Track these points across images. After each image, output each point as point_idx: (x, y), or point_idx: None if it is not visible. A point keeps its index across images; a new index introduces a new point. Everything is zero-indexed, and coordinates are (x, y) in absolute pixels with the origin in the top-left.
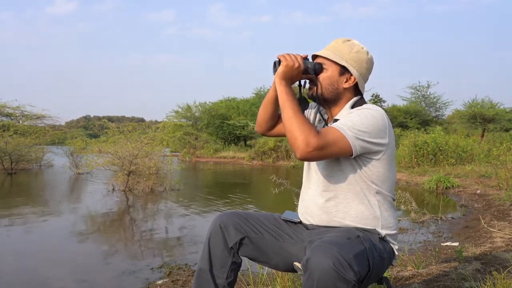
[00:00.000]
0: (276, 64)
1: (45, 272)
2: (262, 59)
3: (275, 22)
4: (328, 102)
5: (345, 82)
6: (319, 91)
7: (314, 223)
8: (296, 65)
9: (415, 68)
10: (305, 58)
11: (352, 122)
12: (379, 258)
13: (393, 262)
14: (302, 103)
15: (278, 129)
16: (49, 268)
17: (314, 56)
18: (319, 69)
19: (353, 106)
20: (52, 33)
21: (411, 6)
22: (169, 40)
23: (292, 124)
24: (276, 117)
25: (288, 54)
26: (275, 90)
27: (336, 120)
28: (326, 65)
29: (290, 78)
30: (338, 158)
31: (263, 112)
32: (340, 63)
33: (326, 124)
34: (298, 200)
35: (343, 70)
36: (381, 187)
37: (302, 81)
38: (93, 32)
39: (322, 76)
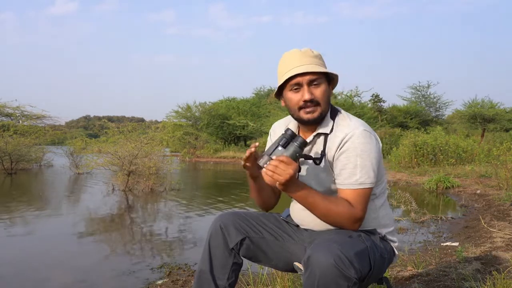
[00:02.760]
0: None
1: (45, 272)
2: (262, 59)
3: (275, 22)
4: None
5: (331, 89)
6: (323, 110)
7: (313, 229)
8: (292, 173)
9: (415, 68)
10: (284, 145)
11: (359, 168)
12: (380, 257)
13: (394, 259)
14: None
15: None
16: (49, 268)
17: (289, 78)
18: (303, 142)
19: (331, 115)
20: (52, 33)
21: (411, 6)
22: (169, 40)
23: (328, 216)
24: (274, 196)
25: (274, 169)
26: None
27: (320, 135)
28: (318, 80)
29: (294, 184)
30: (332, 176)
31: (261, 202)
32: (333, 72)
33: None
34: None
35: (328, 79)
36: (375, 187)
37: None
38: (93, 32)
39: (321, 92)
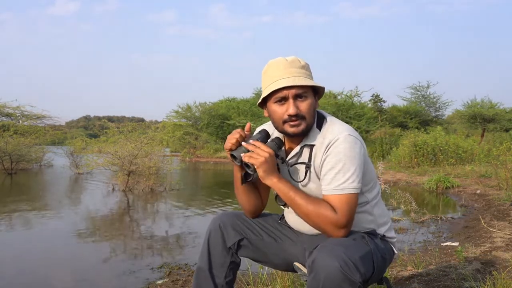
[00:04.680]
0: (248, 168)
1: (46, 272)
2: (262, 59)
3: (275, 22)
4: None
5: (317, 101)
6: (308, 123)
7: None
8: (267, 155)
9: (415, 68)
10: (259, 137)
11: (342, 173)
12: (381, 259)
13: (393, 258)
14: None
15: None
16: (49, 268)
17: (275, 90)
18: (279, 143)
19: (317, 125)
20: (52, 33)
21: (411, 6)
22: (169, 40)
23: (310, 217)
24: (259, 199)
25: (251, 153)
26: (240, 172)
27: (306, 147)
28: (304, 94)
29: (273, 169)
30: (320, 187)
31: (247, 203)
32: (320, 85)
33: (283, 161)
34: None
35: (314, 90)
36: (367, 186)
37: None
38: (94, 33)
39: (307, 106)
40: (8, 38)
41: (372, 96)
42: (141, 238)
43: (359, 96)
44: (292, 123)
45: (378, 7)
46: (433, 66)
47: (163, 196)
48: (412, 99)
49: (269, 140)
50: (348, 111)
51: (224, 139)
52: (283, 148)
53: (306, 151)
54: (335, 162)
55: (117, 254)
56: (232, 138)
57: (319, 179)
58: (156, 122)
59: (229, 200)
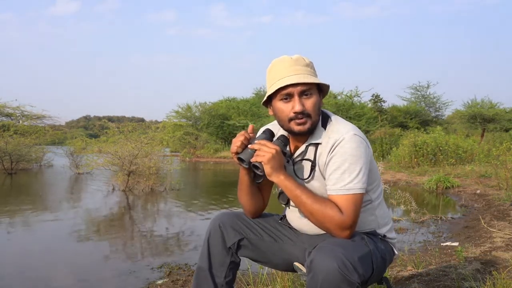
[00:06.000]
0: (257, 169)
1: (46, 272)
2: (262, 59)
3: (275, 22)
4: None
5: (321, 99)
6: (314, 121)
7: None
8: (274, 152)
9: (415, 68)
10: (266, 135)
11: (348, 173)
12: (381, 259)
13: (393, 259)
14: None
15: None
16: (50, 268)
17: (280, 88)
18: (285, 140)
19: (322, 123)
20: (53, 33)
21: (411, 6)
22: (169, 40)
23: (315, 216)
24: (261, 199)
25: (259, 151)
26: (246, 174)
27: (311, 145)
28: (310, 91)
29: (280, 166)
30: (325, 186)
31: (249, 204)
32: (326, 83)
33: (290, 157)
34: None
35: (319, 88)
36: (371, 185)
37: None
38: (94, 33)
39: (312, 103)
40: (8, 38)
41: (372, 96)
42: (141, 238)
43: (359, 96)
44: (298, 121)
45: (378, 7)
46: (433, 66)
47: (163, 196)
48: (412, 99)
49: (274, 139)
50: (348, 111)
51: (224, 139)
52: (288, 146)
53: (311, 150)
54: (341, 162)
55: (117, 254)
56: (238, 141)
57: (323, 177)
58: (156, 122)
59: (229, 199)
